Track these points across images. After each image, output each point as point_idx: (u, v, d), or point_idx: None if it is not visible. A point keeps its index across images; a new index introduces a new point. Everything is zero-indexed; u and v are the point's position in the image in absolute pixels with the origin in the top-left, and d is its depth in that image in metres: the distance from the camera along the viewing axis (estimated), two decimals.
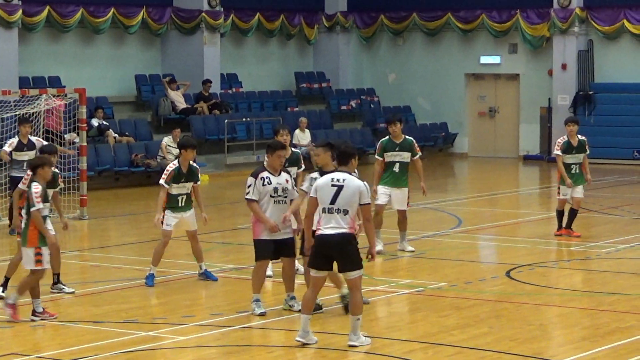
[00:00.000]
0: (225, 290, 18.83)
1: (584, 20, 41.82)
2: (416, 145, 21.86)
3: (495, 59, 43.90)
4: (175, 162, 19.46)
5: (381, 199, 21.66)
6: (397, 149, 21.48)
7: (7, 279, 18.40)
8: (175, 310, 17.72)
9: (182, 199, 19.32)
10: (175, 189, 19.22)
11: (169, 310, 17.78)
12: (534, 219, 28.75)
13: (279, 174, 17.07)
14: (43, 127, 28.82)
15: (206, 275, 19.63)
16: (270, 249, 16.94)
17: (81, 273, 20.43)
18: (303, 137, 37.18)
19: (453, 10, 43.66)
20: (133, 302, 18.27)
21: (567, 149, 23.43)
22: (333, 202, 14.50)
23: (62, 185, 19.01)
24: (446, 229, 26.16)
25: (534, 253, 22.83)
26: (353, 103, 44.27)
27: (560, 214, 23.86)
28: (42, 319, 16.75)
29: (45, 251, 16.75)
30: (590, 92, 41.51)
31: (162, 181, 19.19)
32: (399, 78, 45.61)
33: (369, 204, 14.53)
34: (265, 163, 17.31)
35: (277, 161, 17.06)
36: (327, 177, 14.65)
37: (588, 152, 23.78)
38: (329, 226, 14.53)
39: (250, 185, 16.88)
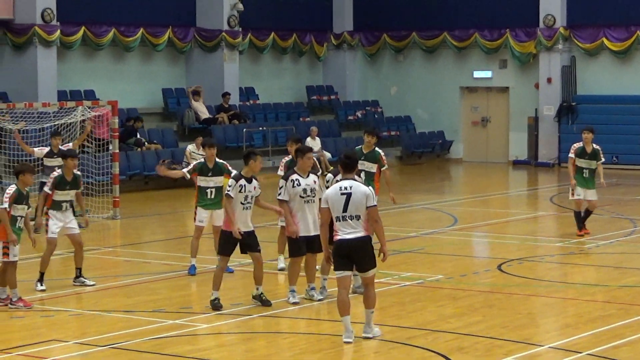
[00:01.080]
0: (244, 283, 18.81)
1: (567, 38, 41.77)
2: (383, 157, 20.19)
3: (487, 74, 43.85)
4: (202, 159, 19.65)
5: None
6: (362, 158, 20.52)
7: (42, 274, 18.45)
8: (198, 301, 17.75)
9: (211, 191, 19.39)
10: (202, 182, 19.35)
11: (193, 301, 17.83)
12: (522, 218, 28.74)
13: (307, 176, 17.08)
14: (93, 136, 28.80)
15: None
16: (303, 247, 16.98)
17: (114, 267, 20.45)
18: (314, 144, 37.15)
19: (449, 30, 43.64)
20: (161, 293, 18.30)
21: (581, 154, 23.36)
22: (345, 210, 14.37)
23: (82, 188, 18.94)
24: (443, 227, 26.14)
25: (523, 249, 22.81)
26: (359, 113, 44.27)
27: (578, 214, 23.59)
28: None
29: (11, 245, 16.82)
30: (573, 104, 41.44)
31: (185, 170, 19.64)
32: (400, 91, 45.59)
33: (375, 206, 14.44)
34: (295, 167, 17.36)
35: (307, 163, 17.07)
36: (336, 187, 14.49)
37: (603, 159, 23.75)
38: (347, 232, 14.40)
39: (281, 187, 16.95)
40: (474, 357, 13.82)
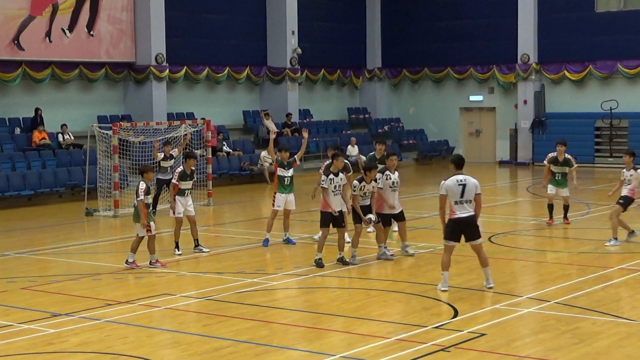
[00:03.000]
0: (303, 251, 18.83)
1: (538, 71, 41.51)
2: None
3: (480, 97, 43.66)
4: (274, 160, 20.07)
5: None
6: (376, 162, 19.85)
7: (177, 243, 18.70)
8: (271, 264, 17.76)
9: (287, 179, 19.53)
10: (281, 172, 19.61)
11: (266, 265, 17.83)
12: (506, 203, 28.59)
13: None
14: (209, 145, 28.86)
15: (288, 241, 19.67)
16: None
17: (206, 241, 20.51)
18: (353, 150, 37.09)
19: (451, 66, 43.53)
20: (242, 259, 18.32)
21: (554, 162, 22.25)
22: (462, 196, 14.66)
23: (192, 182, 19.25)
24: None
25: (507, 225, 22.69)
26: (386, 127, 44.14)
27: (550, 206, 22.49)
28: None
29: (152, 225, 17.17)
30: (543, 119, 41.17)
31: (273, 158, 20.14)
32: (416, 111, 45.49)
33: (481, 193, 14.87)
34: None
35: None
36: (453, 180, 14.70)
37: (575, 165, 22.38)
38: (463, 212, 14.70)
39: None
40: (471, 305, 13.76)
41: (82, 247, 20.35)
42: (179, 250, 18.57)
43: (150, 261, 17.39)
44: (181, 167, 19.11)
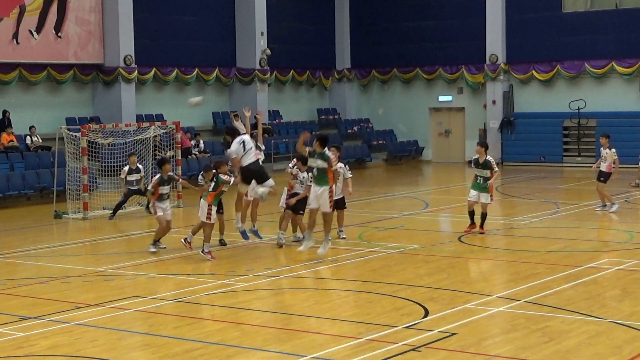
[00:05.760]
0: (274, 253, 18.79)
1: (506, 71, 41.74)
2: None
3: (449, 98, 43.81)
4: None
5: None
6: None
7: (155, 241, 19.13)
8: (241, 266, 17.70)
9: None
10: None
11: (237, 266, 17.76)
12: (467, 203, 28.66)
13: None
14: (179, 147, 28.83)
15: (255, 233, 19.43)
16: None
17: (176, 242, 20.42)
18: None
19: (420, 66, 43.67)
20: (213, 261, 18.18)
21: (475, 164, 21.05)
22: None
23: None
24: (418, 209, 26.12)
25: (476, 224, 22.75)
26: (355, 128, 44.23)
27: (469, 213, 21.00)
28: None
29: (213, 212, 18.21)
30: (512, 119, 41.39)
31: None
32: (385, 111, 45.58)
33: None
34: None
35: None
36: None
37: (496, 170, 20.79)
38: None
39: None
40: (442, 305, 13.79)
41: (51, 249, 20.23)
42: (154, 248, 18.76)
43: (203, 249, 17.89)
44: (158, 174, 19.20)
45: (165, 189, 19.04)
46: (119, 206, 25.33)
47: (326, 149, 17.93)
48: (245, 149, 18.39)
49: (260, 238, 19.60)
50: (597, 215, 24.16)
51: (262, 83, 40.08)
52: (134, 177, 25.32)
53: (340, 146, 21.90)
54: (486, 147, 21.18)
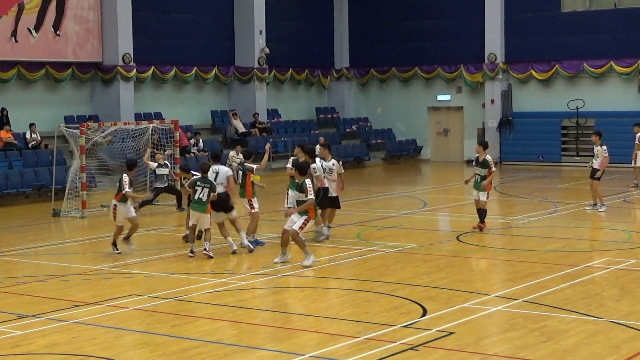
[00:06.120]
0: (272, 252, 18.80)
1: (505, 70, 41.72)
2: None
3: (447, 97, 43.78)
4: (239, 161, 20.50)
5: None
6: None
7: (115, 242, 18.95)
8: (239, 265, 17.71)
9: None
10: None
11: (235, 265, 17.78)
12: (473, 202, 28.64)
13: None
14: (178, 145, 28.84)
15: (257, 242, 19.51)
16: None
17: (175, 242, 20.39)
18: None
19: (419, 66, 43.63)
20: (212, 260, 18.17)
21: (474, 162, 21.48)
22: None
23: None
24: (416, 208, 26.12)
25: (474, 224, 22.74)
26: (354, 127, 44.21)
27: (477, 211, 21.46)
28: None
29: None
30: (510, 118, 41.37)
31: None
32: (383, 110, 45.56)
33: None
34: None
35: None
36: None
37: (494, 169, 21.27)
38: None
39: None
40: (440, 304, 13.79)
41: (50, 248, 20.22)
42: (117, 249, 18.64)
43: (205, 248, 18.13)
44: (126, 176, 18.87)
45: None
46: (146, 203, 25.67)
47: (305, 179, 17.04)
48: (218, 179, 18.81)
49: (263, 244, 19.53)
50: (591, 214, 24.14)
51: (261, 82, 40.06)
52: (163, 171, 25.72)
53: (331, 145, 22.26)
54: (485, 147, 21.67)
